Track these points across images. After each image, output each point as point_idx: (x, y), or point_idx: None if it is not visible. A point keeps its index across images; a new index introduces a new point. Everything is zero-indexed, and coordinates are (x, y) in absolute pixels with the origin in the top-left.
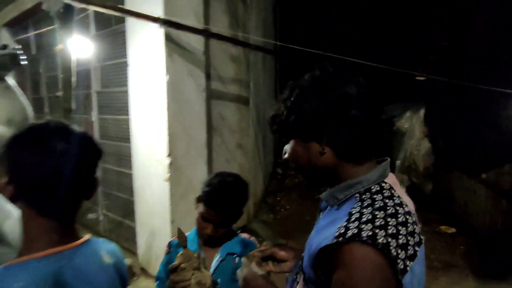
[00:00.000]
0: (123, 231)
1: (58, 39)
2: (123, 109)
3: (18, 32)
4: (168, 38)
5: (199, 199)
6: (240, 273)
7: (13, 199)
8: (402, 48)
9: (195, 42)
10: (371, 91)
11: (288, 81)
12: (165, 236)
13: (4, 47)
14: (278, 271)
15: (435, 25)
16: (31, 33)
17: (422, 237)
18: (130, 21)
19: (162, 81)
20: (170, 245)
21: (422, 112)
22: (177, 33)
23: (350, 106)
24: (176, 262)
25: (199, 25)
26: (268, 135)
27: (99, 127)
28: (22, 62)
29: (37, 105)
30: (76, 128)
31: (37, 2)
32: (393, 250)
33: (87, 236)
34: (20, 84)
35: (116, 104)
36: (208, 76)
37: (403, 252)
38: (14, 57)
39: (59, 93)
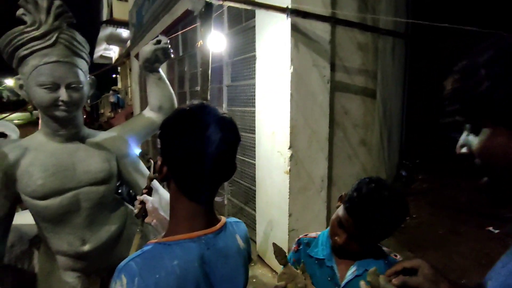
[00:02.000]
0: (244, 217)
1: (199, 36)
2: (249, 101)
3: (171, 37)
4: (295, 28)
5: (341, 199)
6: None
7: (165, 180)
8: None
9: (321, 30)
10: None
11: (419, 72)
12: (283, 228)
13: (158, 42)
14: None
15: None
16: (179, 32)
17: None
18: (260, 16)
19: (287, 73)
20: (299, 242)
21: None
22: (303, 23)
23: None
24: (280, 284)
25: (326, 12)
26: (394, 132)
27: None
28: (171, 56)
29: (181, 98)
30: (223, 113)
31: (184, 10)
32: None
33: (224, 219)
34: (169, 80)
35: (243, 97)
36: (332, 67)
37: None
38: (165, 51)
39: (198, 88)
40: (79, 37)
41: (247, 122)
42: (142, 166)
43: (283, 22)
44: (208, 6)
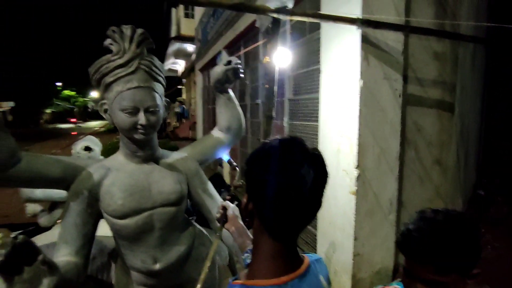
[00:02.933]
0: (303, 234)
1: (264, 52)
2: (312, 115)
3: (233, 52)
4: (365, 40)
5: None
6: None
7: (249, 217)
8: None
9: (393, 40)
10: None
11: (499, 80)
12: (347, 251)
13: (229, 62)
14: None
15: None
16: (243, 51)
17: None
18: (325, 28)
19: (356, 86)
20: None
21: None
22: (374, 33)
23: None
24: None
25: (400, 20)
26: (472, 149)
27: (289, 132)
28: (241, 76)
29: (242, 111)
30: (312, 149)
31: (246, 26)
32: None
33: (307, 260)
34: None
35: (306, 111)
36: (405, 79)
37: None
38: (236, 71)
39: (259, 101)
40: (157, 62)
41: (309, 137)
42: (211, 187)
43: (352, 33)
44: (276, 22)
